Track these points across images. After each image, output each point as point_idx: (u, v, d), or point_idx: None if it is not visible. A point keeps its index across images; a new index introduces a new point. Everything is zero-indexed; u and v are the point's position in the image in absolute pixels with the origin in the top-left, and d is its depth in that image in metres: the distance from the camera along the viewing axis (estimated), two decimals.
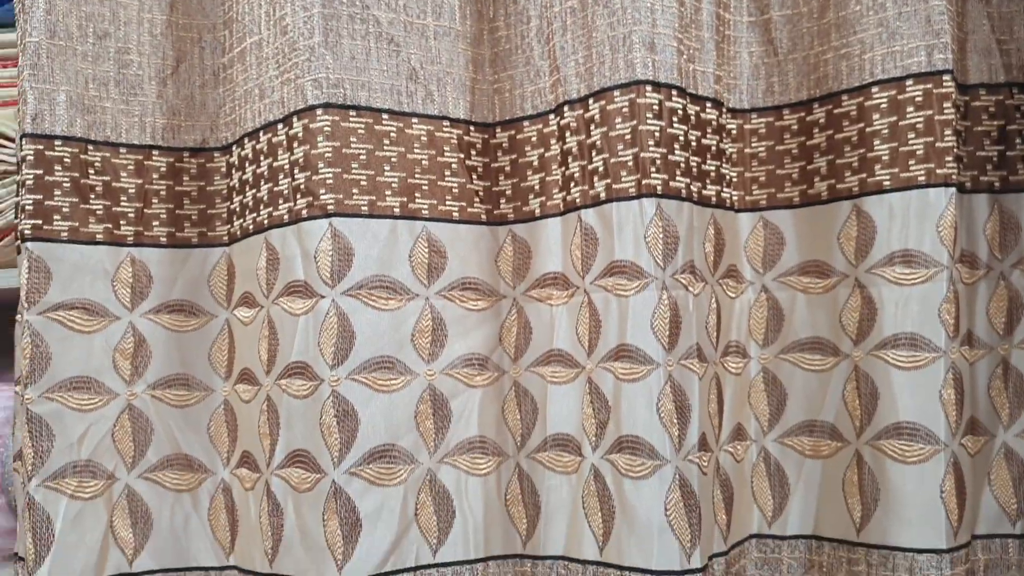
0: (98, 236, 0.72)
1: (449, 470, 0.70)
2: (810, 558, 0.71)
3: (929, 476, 0.64)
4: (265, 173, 0.70)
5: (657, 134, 0.64)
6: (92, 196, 0.72)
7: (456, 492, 0.70)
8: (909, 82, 0.65)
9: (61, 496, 0.69)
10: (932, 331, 0.64)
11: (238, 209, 0.74)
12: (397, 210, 0.69)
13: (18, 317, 0.71)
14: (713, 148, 0.70)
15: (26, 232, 0.70)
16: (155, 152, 0.75)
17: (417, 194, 0.70)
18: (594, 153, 0.66)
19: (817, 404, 0.71)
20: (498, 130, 0.73)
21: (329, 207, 0.67)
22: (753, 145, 0.72)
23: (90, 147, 0.72)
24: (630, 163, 0.65)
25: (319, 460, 0.66)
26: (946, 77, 0.64)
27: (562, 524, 0.69)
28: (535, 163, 0.71)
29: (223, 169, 0.76)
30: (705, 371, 0.66)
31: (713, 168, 0.70)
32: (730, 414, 0.71)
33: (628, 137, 0.65)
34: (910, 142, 0.65)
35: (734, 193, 0.72)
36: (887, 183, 0.66)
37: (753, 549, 0.72)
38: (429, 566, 0.69)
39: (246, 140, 0.72)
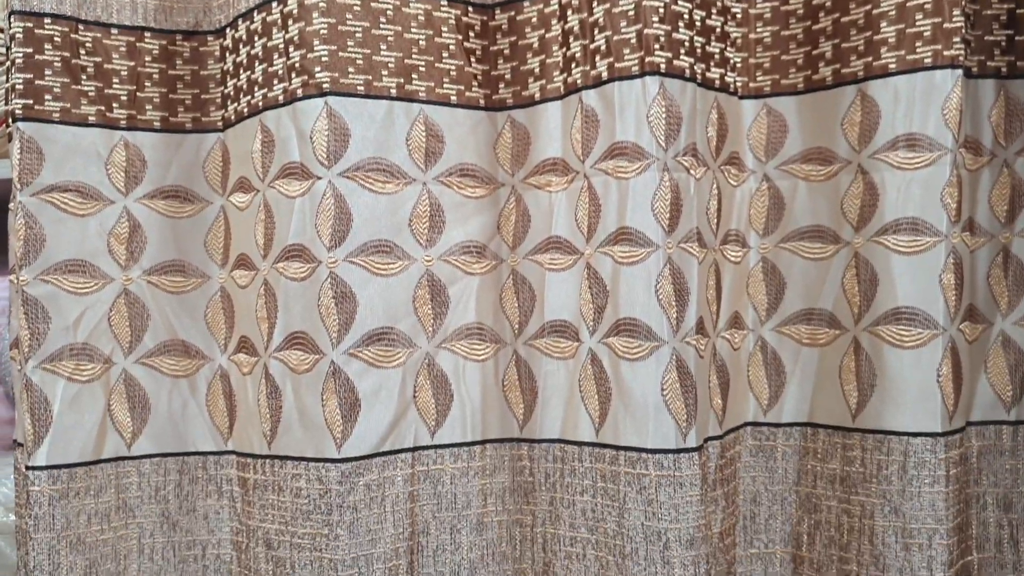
0: (90, 118, 0.71)
1: (447, 355, 0.70)
2: (804, 445, 0.72)
3: (926, 360, 0.64)
4: (259, 54, 0.69)
5: (661, 10, 0.63)
6: (83, 77, 0.71)
7: (454, 377, 0.70)
8: None
9: (58, 378, 0.70)
10: (934, 215, 0.64)
11: (232, 93, 0.73)
12: (394, 91, 0.68)
13: (11, 203, 0.70)
14: (718, 30, 0.68)
15: (17, 112, 0.69)
16: (147, 34, 0.73)
17: (414, 75, 0.68)
18: (596, 31, 0.65)
19: (816, 292, 0.71)
20: (497, 11, 0.71)
21: (324, 86, 0.65)
22: (758, 30, 0.71)
23: (80, 26, 0.70)
24: (633, 40, 0.63)
25: (318, 341, 0.66)
26: None
27: (559, 408, 0.69)
28: (535, 45, 0.69)
29: (216, 53, 0.74)
30: (704, 256, 0.66)
31: (718, 51, 0.68)
32: (728, 303, 0.71)
33: (632, 13, 0.63)
34: (917, 23, 0.64)
35: (738, 79, 0.71)
36: (893, 66, 0.65)
37: (748, 436, 0.73)
38: (427, 447, 0.70)
39: (240, 21, 0.71)
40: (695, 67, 0.65)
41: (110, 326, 0.72)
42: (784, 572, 0.72)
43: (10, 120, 0.70)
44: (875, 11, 0.65)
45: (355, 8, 0.66)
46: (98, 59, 0.71)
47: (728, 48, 0.69)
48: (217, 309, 0.75)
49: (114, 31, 0.72)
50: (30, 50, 0.69)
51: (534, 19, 0.69)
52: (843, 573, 0.68)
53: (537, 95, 0.70)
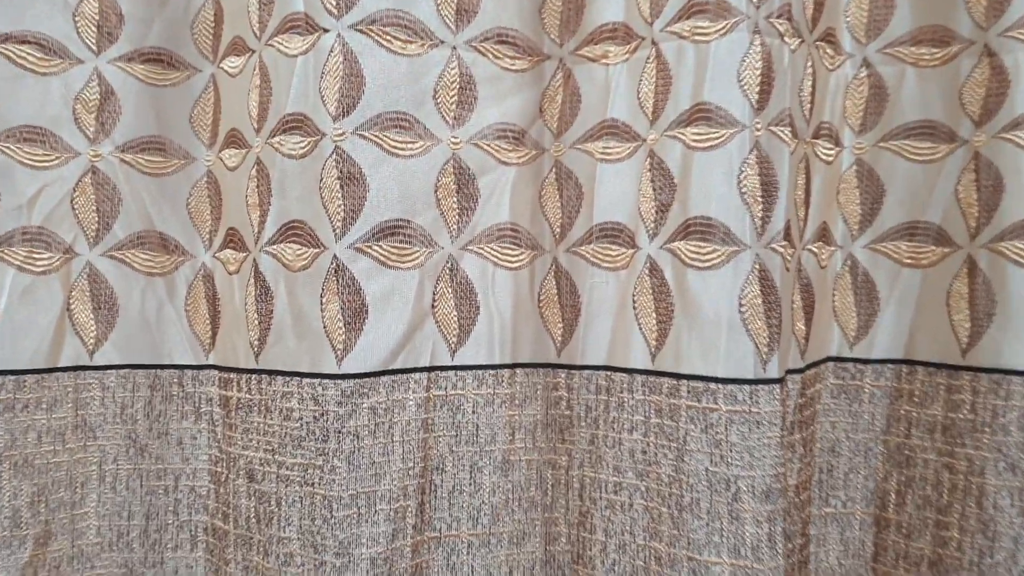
0: None
1: (474, 259, 0.58)
2: (898, 386, 0.60)
3: None
4: None
5: None
6: None
7: (481, 285, 0.58)
8: None
9: (7, 267, 0.58)
10: None
11: None
12: None
13: None
14: None
15: None
16: None
17: None
18: None
19: (921, 202, 0.58)
20: None
21: None
22: None
23: None
24: None
25: (318, 232, 0.55)
26: None
27: (605, 328, 0.57)
28: None
29: None
30: (796, 147, 0.53)
31: None
32: (816, 211, 0.59)
33: None
34: None
35: None
36: None
37: (830, 374, 0.61)
38: (446, 368, 0.58)
39: None
40: None
41: (73, 209, 0.60)
42: (864, 536, 0.61)
43: None
44: None
45: None
46: None
47: None
48: (202, 196, 0.63)
49: None
50: None
51: None
52: (940, 541, 0.57)
53: None
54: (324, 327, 0.54)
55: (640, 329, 0.55)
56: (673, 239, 0.54)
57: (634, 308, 0.55)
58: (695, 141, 0.52)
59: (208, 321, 0.63)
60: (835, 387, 0.61)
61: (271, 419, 0.57)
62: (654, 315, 0.54)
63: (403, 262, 0.56)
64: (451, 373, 0.58)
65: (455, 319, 0.58)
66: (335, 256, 0.54)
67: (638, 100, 0.55)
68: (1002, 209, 0.54)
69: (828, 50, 0.58)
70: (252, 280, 0.58)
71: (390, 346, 0.55)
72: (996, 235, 0.54)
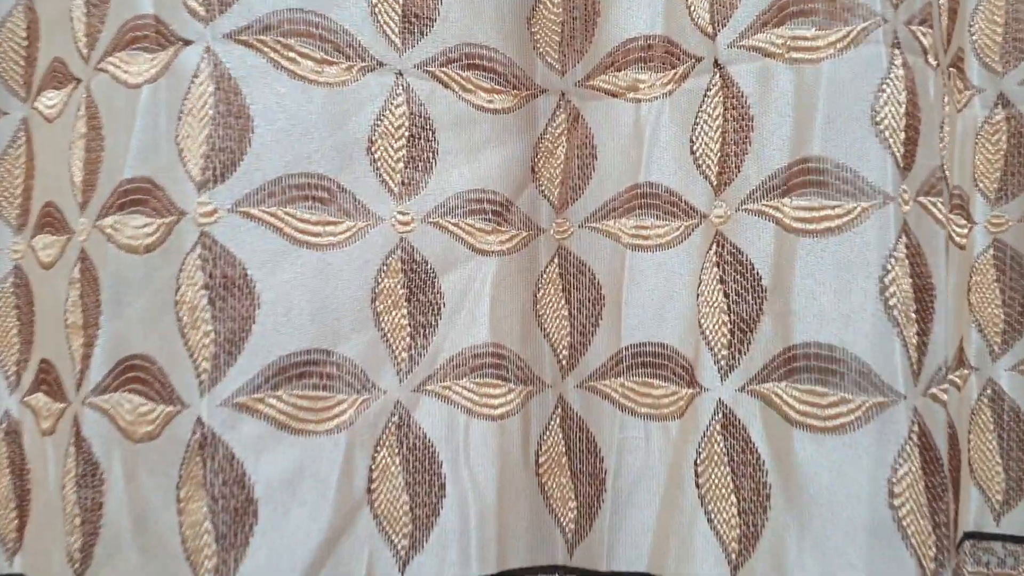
0: None
1: (435, 405, 0.36)
2: None
3: None
4: None
5: None
6: None
7: (448, 447, 0.36)
8: None
9: None
10: None
11: None
12: None
13: None
14: None
15: None
16: None
17: None
18: None
19: None
20: None
21: None
22: None
23: None
24: None
25: (171, 376, 0.32)
26: None
27: (646, 514, 0.36)
28: None
29: None
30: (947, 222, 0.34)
31: None
32: (954, 320, 0.39)
33: None
34: None
35: None
36: None
37: (967, 559, 0.41)
38: None
39: None
40: None
41: None
42: None
43: None
44: None
45: None
46: None
47: None
48: (7, 307, 0.40)
49: None
50: None
51: None
52: None
53: None
54: (182, 541, 0.32)
55: (710, 520, 0.34)
56: (764, 378, 0.33)
57: (698, 485, 0.34)
58: (799, 220, 0.32)
59: (13, 504, 0.40)
60: None
61: None
62: (734, 500, 0.34)
63: (318, 422, 0.34)
64: None
65: (406, 508, 0.36)
66: (199, 419, 0.32)
67: (692, 154, 0.35)
68: None
69: (957, 82, 0.40)
70: (72, 449, 0.35)
71: (297, 567, 0.33)
72: None
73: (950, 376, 0.37)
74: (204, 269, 0.31)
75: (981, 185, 0.41)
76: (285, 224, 0.33)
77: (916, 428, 0.31)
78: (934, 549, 0.31)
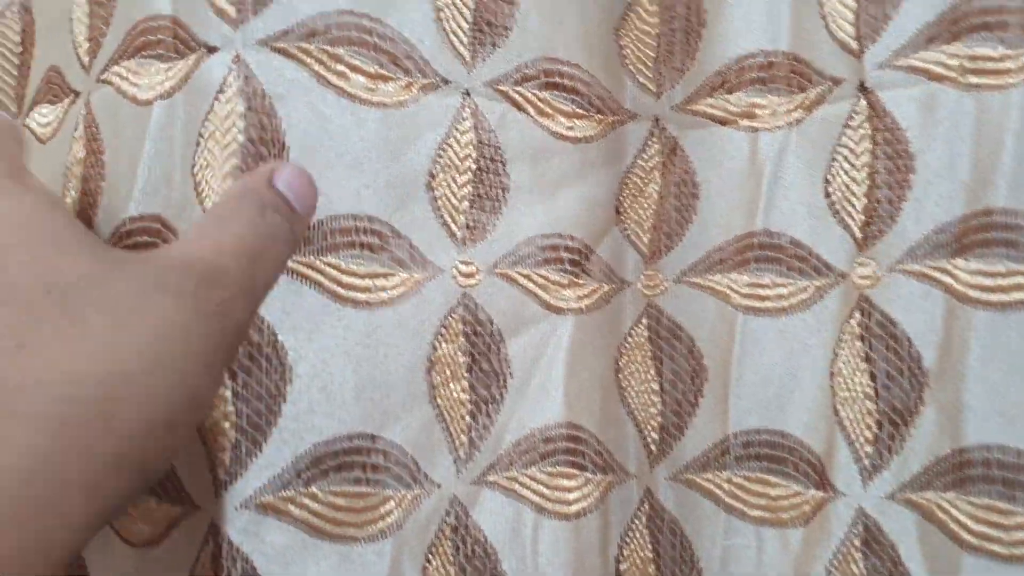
0: None
1: (498, 500, 0.30)
2: None
3: None
4: None
5: None
6: None
7: (513, 552, 0.30)
8: None
9: None
10: None
11: None
12: None
13: None
14: None
15: None
16: None
17: None
18: None
19: None
20: None
21: None
22: None
23: None
24: None
25: (179, 466, 0.26)
26: None
27: None
28: None
29: None
30: None
31: None
32: None
33: None
34: None
35: None
36: None
37: None
38: None
39: None
40: None
41: None
42: None
43: None
44: None
45: None
46: None
47: None
48: None
49: None
50: None
51: None
52: None
53: None
54: None
55: None
56: (925, 485, 0.26)
57: None
58: (978, 289, 0.25)
59: None
60: None
61: None
62: None
63: (360, 525, 0.27)
64: None
65: None
66: (213, 524, 0.25)
67: (827, 197, 0.29)
68: None
69: None
70: None
71: None
72: None
73: None
74: (222, 335, 0.25)
75: None
76: (325, 277, 0.26)
77: None
78: None
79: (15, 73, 0.35)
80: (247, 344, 0.25)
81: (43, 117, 0.32)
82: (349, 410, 0.26)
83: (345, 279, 0.26)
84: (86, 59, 0.30)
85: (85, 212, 0.29)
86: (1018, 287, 0.25)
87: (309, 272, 0.26)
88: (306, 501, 0.26)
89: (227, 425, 0.25)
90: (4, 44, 0.35)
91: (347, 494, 0.27)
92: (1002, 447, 0.25)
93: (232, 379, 0.25)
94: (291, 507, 0.26)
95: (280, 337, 0.25)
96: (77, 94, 0.30)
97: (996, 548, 0.25)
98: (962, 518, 0.26)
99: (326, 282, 0.26)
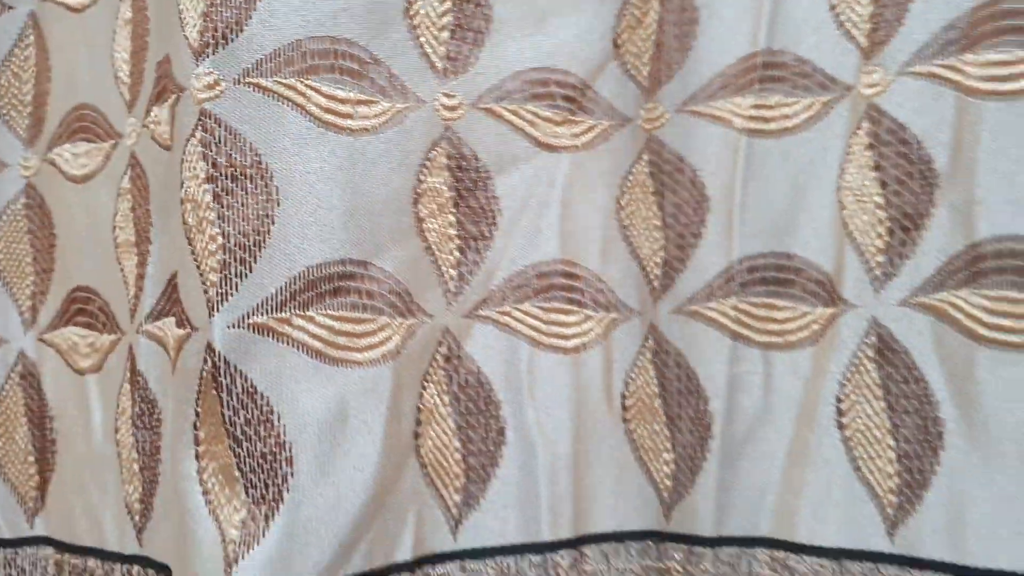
0: None
1: (490, 334, 0.30)
2: None
3: None
4: None
5: None
6: None
7: (507, 384, 0.30)
8: None
9: None
10: None
11: None
12: None
13: None
14: None
15: None
16: None
17: None
18: None
19: None
20: None
21: None
22: None
23: None
24: None
25: (182, 290, 0.27)
26: None
27: (766, 466, 0.29)
28: None
29: None
30: None
31: None
32: None
33: None
34: None
35: None
36: None
37: None
38: (446, 557, 0.29)
39: None
40: None
41: None
42: None
43: None
44: None
45: None
46: None
47: None
48: (17, 232, 0.36)
49: None
50: None
51: None
52: None
53: None
54: (204, 492, 0.26)
55: (857, 469, 0.26)
56: (939, 285, 0.25)
57: (841, 426, 0.27)
58: (988, 80, 0.24)
59: (32, 458, 0.35)
60: None
61: None
62: (890, 442, 0.26)
63: (361, 350, 0.27)
64: (455, 567, 0.29)
65: (458, 457, 0.29)
66: (210, 346, 0.26)
67: (832, 10, 0.27)
68: None
69: None
70: (127, 387, 0.30)
71: (338, 531, 0.26)
72: None
73: None
74: (207, 157, 0.25)
75: None
76: (308, 100, 0.26)
77: None
78: None
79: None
80: (229, 165, 0.25)
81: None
82: (339, 236, 0.27)
83: (326, 103, 0.26)
84: None
85: (136, 67, 0.30)
86: None
87: (291, 95, 0.26)
88: (303, 323, 0.26)
89: (214, 247, 0.25)
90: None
91: (345, 319, 0.27)
92: (1014, 236, 0.24)
93: (217, 202, 0.25)
94: (288, 328, 0.26)
95: (264, 159, 0.26)
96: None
97: (1010, 338, 0.24)
98: (976, 312, 0.24)
99: (308, 104, 0.26)
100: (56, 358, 0.35)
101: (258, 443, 0.26)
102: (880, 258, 0.26)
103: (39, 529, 0.35)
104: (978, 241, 0.24)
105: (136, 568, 0.31)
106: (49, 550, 0.35)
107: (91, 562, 0.33)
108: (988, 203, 0.24)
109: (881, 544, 0.26)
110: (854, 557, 0.27)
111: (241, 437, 0.26)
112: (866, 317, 0.27)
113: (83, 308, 0.34)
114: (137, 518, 0.31)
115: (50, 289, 0.36)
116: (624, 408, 0.31)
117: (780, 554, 0.28)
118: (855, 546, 0.27)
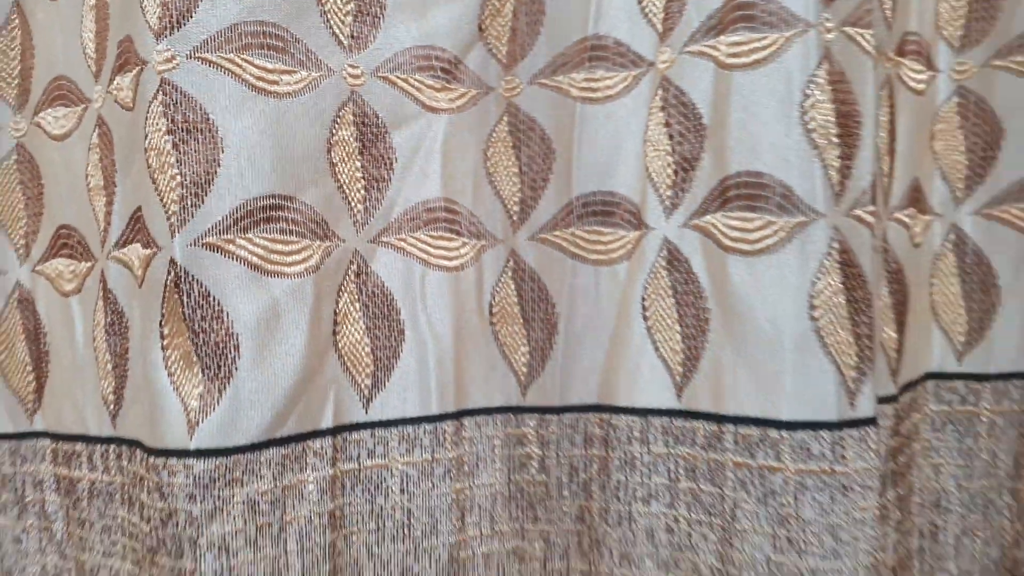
0: None
1: (391, 256, 0.39)
2: None
3: None
4: None
5: None
6: None
7: (405, 296, 0.39)
8: None
9: None
10: None
11: None
12: None
13: None
14: None
15: None
16: None
17: None
18: None
19: None
20: None
21: None
22: None
23: None
24: None
25: (152, 224, 0.35)
26: None
27: (597, 350, 0.38)
28: None
29: None
30: (878, 63, 0.34)
31: None
32: (903, 163, 0.39)
33: None
34: None
35: None
36: None
37: (930, 398, 0.42)
38: (359, 426, 0.38)
39: None
40: None
41: None
42: None
43: None
44: None
45: None
46: None
47: None
48: (10, 184, 0.44)
49: None
50: None
51: None
52: None
53: None
54: (169, 375, 0.35)
55: (656, 349, 0.36)
56: (704, 211, 0.34)
57: (645, 319, 0.36)
58: (732, 56, 0.33)
59: (29, 367, 0.43)
60: (939, 416, 0.42)
61: (134, 514, 0.38)
62: (678, 328, 0.35)
63: (289, 265, 0.36)
64: (366, 434, 0.38)
65: (368, 351, 0.38)
66: (172, 260, 0.34)
67: (639, 3, 0.36)
68: None
69: None
70: (101, 303, 0.38)
71: (274, 402, 0.36)
72: None
73: (897, 214, 0.38)
74: (167, 115, 0.34)
75: (946, 32, 0.41)
76: (244, 71, 0.35)
77: (836, 245, 0.32)
78: (855, 358, 0.32)
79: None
80: (185, 121, 0.34)
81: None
82: (269, 177, 0.35)
83: (258, 72, 0.35)
84: None
85: (100, 44, 0.38)
86: (755, 51, 0.33)
87: (229, 66, 0.34)
88: (244, 243, 0.35)
89: (175, 184, 0.34)
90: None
91: (276, 240, 0.36)
92: (749, 172, 0.33)
93: (175, 149, 0.34)
94: (232, 247, 0.35)
95: (211, 116, 0.34)
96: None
97: (744, 247, 0.33)
98: (724, 229, 0.34)
99: (244, 74, 0.35)
100: (46, 285, 0.43)
101: (212, 335, 0.35)
102: (669, 192, 0.36)
103: (37, 425, 0.44)
104: (726, 176, 0.34)
105: (112, 446, 0.40)
106: (46, 441, 0.43)
107: (78, 446, 0.42)
108: (734, 148, 0.33)
109: (673, 402, 0.36)
110: (655, 413, 0.36)
111: (198, 330, 0.34)
112: (660, 237, 0.36)
113: (66, 243, 0.42)
114: (111, 407, 0.39)
115: (40, 229, 0.44)
116: (491, 314, 0.40)
117: (605, 416, 0.38)
118: (656, 405, 0.36)
